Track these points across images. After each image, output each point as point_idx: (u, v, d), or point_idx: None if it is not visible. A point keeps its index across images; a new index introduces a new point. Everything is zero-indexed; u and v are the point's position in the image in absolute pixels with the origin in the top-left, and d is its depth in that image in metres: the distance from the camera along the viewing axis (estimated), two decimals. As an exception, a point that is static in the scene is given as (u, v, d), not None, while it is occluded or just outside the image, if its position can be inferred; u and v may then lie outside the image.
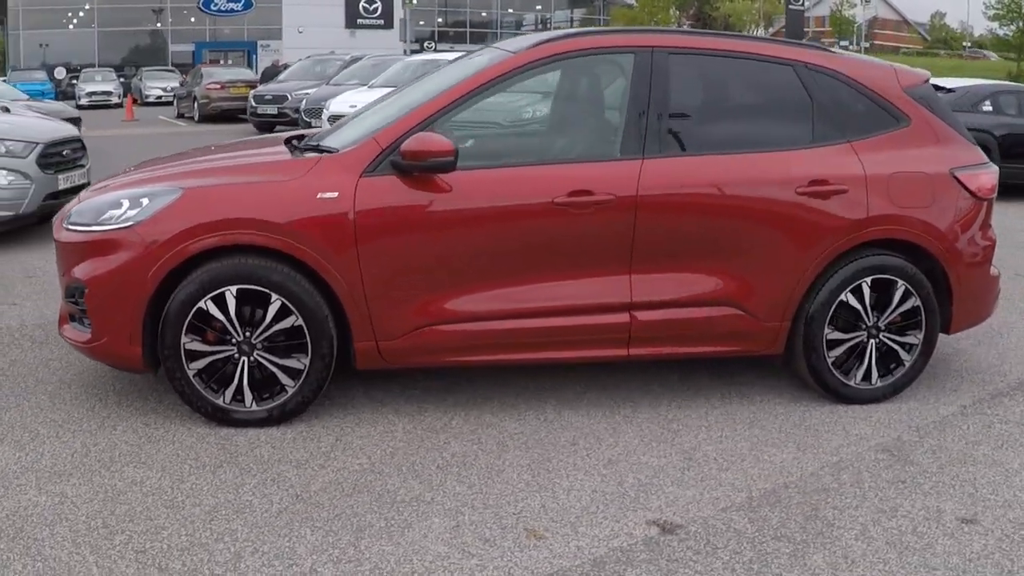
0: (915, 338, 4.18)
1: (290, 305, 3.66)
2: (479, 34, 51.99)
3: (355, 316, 3.72)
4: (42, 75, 32.60)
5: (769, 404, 4.19)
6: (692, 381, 4.45)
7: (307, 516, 3.09)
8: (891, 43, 75.48)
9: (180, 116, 24.56)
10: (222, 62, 38.23)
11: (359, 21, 45.84)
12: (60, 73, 36.32)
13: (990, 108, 11.22)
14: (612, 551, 2.91)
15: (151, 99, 31.86)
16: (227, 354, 3.70)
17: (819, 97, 4.06)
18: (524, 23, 56.31)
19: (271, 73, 22.75)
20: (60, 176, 7.21)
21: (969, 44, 75.75)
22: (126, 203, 3.70)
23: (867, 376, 4.17)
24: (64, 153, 7.31)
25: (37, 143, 7.02)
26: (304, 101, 15.53)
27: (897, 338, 4.17)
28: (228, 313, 3.65)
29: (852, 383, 4.16)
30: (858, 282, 4.06)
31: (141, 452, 3.53)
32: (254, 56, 43.62)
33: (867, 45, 61.20)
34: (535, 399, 4.19)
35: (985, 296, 4.35)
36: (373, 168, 3.70)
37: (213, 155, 4.37)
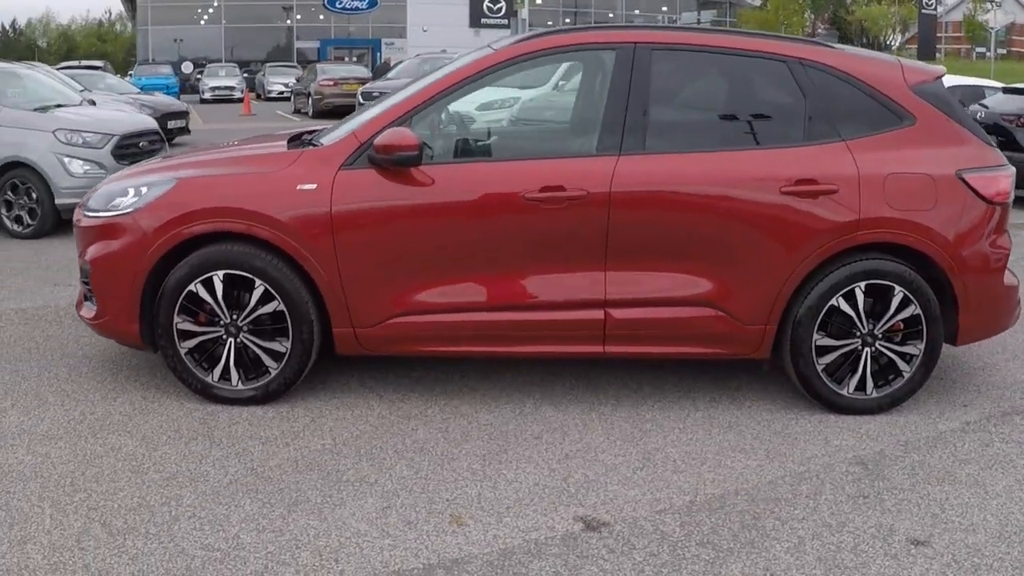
0: (915, 348, 3.97)
1: (272, 290, 3.86)
2: (604, 34, 51.59)
3: (333, 303, 3.88)
4: (167, 69, 34.34)
5: (756, 410, 4.09)
6: (686, 383, 4.38)
7: (253, 488, 3.26)
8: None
9: (296, 111, 25.67)
10: (345, 59, 39.60)
11: (483, 20, 46.48)
12: (187, 68, 38.26)
13: None
14: (526, 543, 2.95)
15: (273, 94, 33.04)
16: (215, 335, 3.94)
17: (813, 94, 3.92)
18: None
19: (382, 70, 23.50)
20: None
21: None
22: (131, 191, 3.99)
23: (861, 386, 4.00)
24: (140, 145, 7.87)
25: (113, 135, 7.60)
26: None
27: (895, 347, 3.98)
28: (216, 296, 3.88)
29: (845, 392, 4.00)
30: (850, 287, 3.89)
31: (129, 422, 3.81)
32: (378, 54, 44.97)
33: (1003, 52, 57.17)
34: (519, 392, 4.24)
35: (998, 306, 4.07)
36: (351, 161, 3.84)
37: (224, 148, 4.63)
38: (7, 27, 62.63)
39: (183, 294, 3.87)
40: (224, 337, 3.93)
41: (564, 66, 4.17)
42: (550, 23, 48.87)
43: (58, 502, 3.13)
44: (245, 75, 36.14)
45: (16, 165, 7.27)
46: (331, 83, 22.90)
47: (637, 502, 3.24)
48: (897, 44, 64.91)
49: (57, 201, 7.34)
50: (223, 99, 31.51)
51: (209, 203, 3.83)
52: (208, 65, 37.10)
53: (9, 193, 7.41)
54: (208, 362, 3.97)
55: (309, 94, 23.77)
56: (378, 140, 3.73)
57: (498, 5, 47.34)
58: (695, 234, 3.84)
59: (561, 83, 4.26)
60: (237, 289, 3.89)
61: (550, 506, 3.19)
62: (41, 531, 2.94)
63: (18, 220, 7.45)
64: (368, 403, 4.08)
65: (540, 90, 4.36)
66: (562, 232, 3.83)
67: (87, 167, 7.32)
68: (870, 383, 4.00)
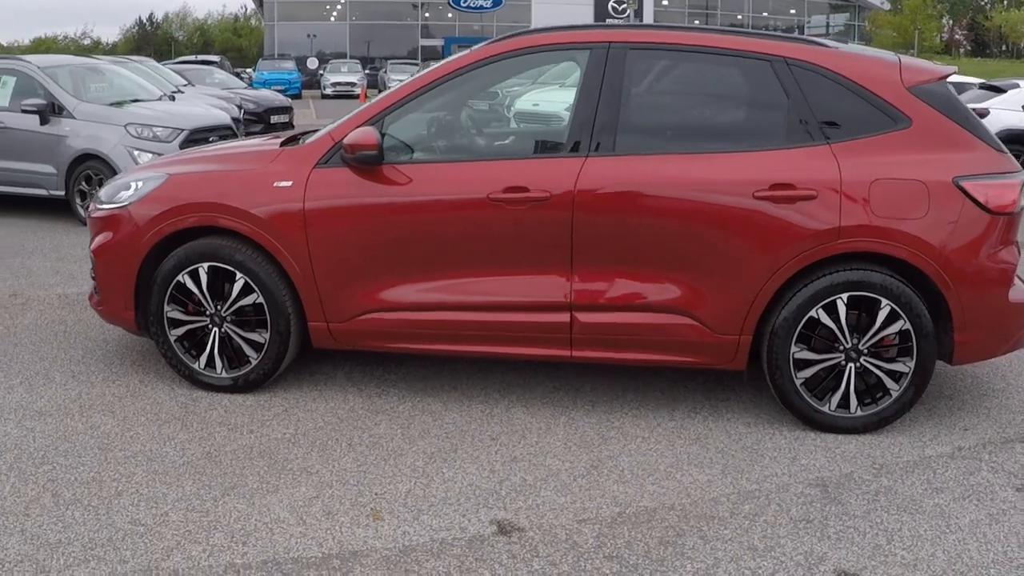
0: (905, 366, 3.72)
1: (252, 283, 4.02)
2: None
3: (307, 297, 4.00)
4: (290, 65, 35.71)
5: (734, 423, 3.93)
6: (673, 391, 4.26)
7: (200, 471, 3.42)
8: None
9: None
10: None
11: (607, 20, 46.23)
12: (312, 64, 39.68)
13: None
14: (432, 542, 2.96)
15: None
16: (201, 324, 4.14)
17: (797, 95, 3.72)
18: (776, 27, 53.99)
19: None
20: None
21: None
22: (133, 186, 4.24)
23: (845, 403, 3.78)
24: (210, 140, 8.29)
25: (183, 129, 8.06)
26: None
27: (882, 364, 3.73)
28: (201, 287, 4.08)
29: (826, 409, 3.79)
30: (832, 298, 3.68)
31: (117, 403, 4.06)
32: (501, 51, 45.34)
33: None
34: (497, 393, 4.24)
35: (1003, 325, 3.74)
36: (326, 160, 3.95)
37: (224, 145, 4.84)
38: (144, 20, 66.90)
39: (172, 284, 4.09)
40: (209, 327, 4.13)
41: (534, 65, 4.10)
42: (694, 22, 48.12)
43: (24, 472, 3.38)
44: (368, 72, 37.30)
45: (90, 157, 7.83)
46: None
47: (563, 510, 3.19)
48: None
49: None
50: (344, 95, 32.66)
51: (193, 198, 4.03)
52: (331, 61, 38.48)
53: (83, 184, 7.98)
54: (196, 350, 4.18)
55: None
56: (346, 139, 3.81)
57: (623, 5, 46.93)
58: (663, 238, 3.72)
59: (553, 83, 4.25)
60: (221, 281, 4.08)
61: (472, 507, 3.19)
62: (-1, 498, 3.20)
63: None
64: (345, 396, 4.19)
65: (508, 91, 4.32)
66: (527, 233, 3.80)
67: (155, 159, 7.81)
68: (854, 401, 3.77)
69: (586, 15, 45.14)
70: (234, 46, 63.09)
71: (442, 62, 4.07)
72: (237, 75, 23.18)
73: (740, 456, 3.63)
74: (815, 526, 3.10)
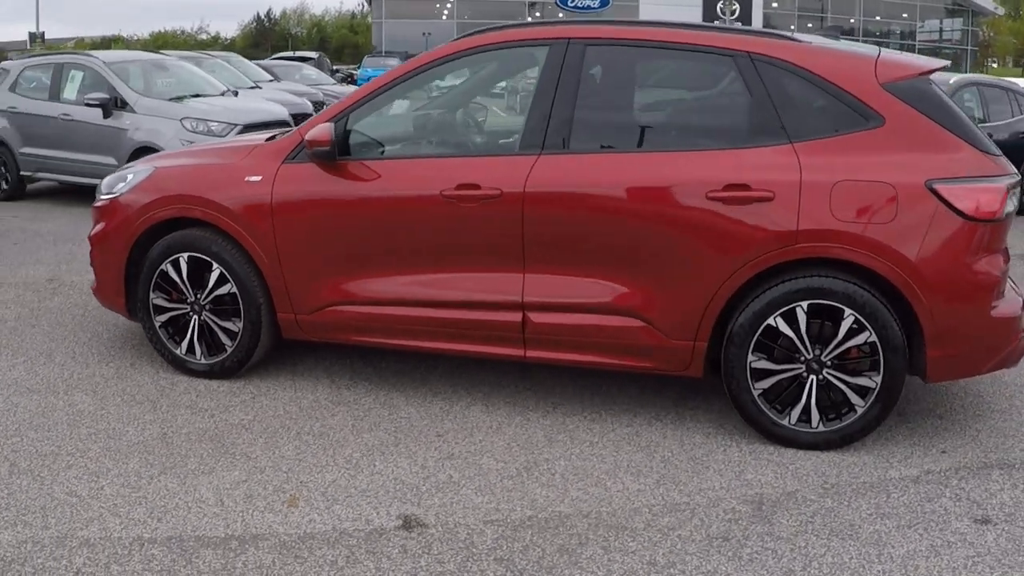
0: (871, 380, 3.48)
1: (227, 274, 4.16)
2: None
3: (275, 289, 4.11)
4: (395, 61, 36.57)
5: (692, 433, 3.78)
6: (643, 397, 4.14)
7: (149, 450, 3.57)
8: None
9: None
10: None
11: (716, 23, 45.08)
12: None
13: None
14: (332, 531, 2.99)
15: None
16: (183, 312, 4.31)
17: (761, 91, 3.54)
18: (889, 32, 51.61)
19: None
20: None
21: None
22: (128, 177, 4.47)
23: (806, 417, 3.57)
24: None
25: (236, 124, 8.40)
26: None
27: (847, 378, 3.51)
28: (182, 275, 4.25)
29: (785, 423, 3.59)
30: (791, 306, 3.49)
31: (102, 383, 4.28)
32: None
33: None
34: (464, 391, 4.23)
35: (985, 340, 3.44)
36: (294, 155, 4.04)
37: (217, 141, 5.01)
38: (263, 16, 69.13)
39: (156, 273, 4.28)
40: (190, 314, 4.30)
41: (494, 62, 4.07)
42: (792, 28, 46.50)
43: (-7, 443, 3.63)
44: None
45: (148, 150, 8.25)
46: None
47: (475, 509, 3.15)
48: None
49: None
50: None
51: (173, 190, 4.21)
52: None
53: None
54: (179, 336, 4.36)
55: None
56: (306, 136, 3.89)
57: (732, 7, 45.57)
58: (614, 239, 3.62)
59: (489, 80, 4.21)
60: (200, 271, 4.24)
61: (387, 501, 3.20)
62: (-38, 466, 3.44)
63: None
64: (315, 387, 4.27)
65: (466, 88, 4.29)
66: (479, 231, 3.77)
67: (208, 155, 8.18)
68: (816, 415, 3.56)
69: (694, 17, 44.14)
70: (350, 43, 64.84)
71: (409, 60, 4.09)
72: (332, 72, 23.88)
73: (683, 467, 3.49)
74: (730, 545, 2.94)
